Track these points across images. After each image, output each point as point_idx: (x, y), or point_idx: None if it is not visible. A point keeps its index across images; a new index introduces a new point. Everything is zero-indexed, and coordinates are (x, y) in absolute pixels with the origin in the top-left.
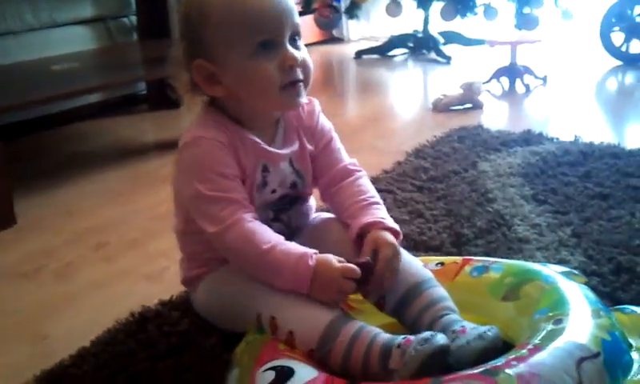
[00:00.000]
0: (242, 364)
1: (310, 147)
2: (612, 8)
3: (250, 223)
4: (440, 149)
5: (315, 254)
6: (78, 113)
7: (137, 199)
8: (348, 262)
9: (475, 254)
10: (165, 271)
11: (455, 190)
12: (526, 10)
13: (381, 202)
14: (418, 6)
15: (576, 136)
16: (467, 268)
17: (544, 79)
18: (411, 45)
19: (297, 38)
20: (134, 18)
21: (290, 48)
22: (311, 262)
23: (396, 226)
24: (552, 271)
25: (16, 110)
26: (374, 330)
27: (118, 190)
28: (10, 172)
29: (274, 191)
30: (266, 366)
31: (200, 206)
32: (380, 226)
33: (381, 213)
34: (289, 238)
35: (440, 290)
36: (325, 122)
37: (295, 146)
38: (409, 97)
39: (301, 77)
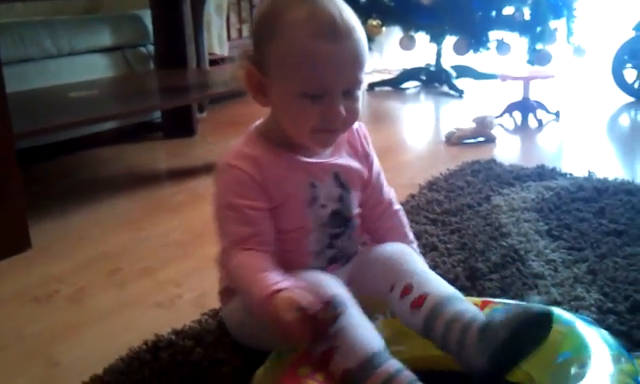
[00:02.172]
0: None
1: (361, 168)
2: (624, 45)
3: (253, 255)
4: (453, 182)
5: (281, 291)
6: (93, 139)
7: (149, 226)
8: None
9: (490, 289)
10: (176, 299)
11: (469, 224)
12: (539, 46)
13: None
14: (431, 41)
15: (590, 172)
16: (487, 310)
17: (557, 114)
18: (423, 78)
19: (353, 89)
20: (151, 47)
21: (337, 102)
22: (271, 307)
23: None
24: (572, 315)
25: (33, 137)
26: (411, 376)
27: (130, 216)
28: (25, 196)
29: (323, 206)
30: None
31: (220, 226)
32: None
33: None
34: (344, 264)
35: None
36: (373, 149)
37: (342, 160)
38: (421, 129)
39: (338, 126)
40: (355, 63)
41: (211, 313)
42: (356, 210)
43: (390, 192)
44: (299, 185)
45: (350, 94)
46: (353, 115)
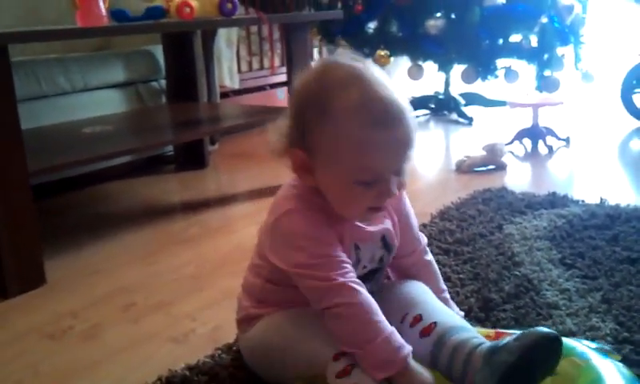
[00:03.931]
0: None
1: (397, 224)
2: (633, 70)
3: (359, 288)
4: (465, 211)
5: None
6: (106, 173)
7: (162, 260)
8: None
9: (504, 320)
10: (190, 334)
11: (482, 254)
12: (547, 73)
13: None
14: (439, 69)
15: (602, 198)
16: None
17: (567, 141)
18: (433, 106)
19: (404, 167)
20: (163, 82)
21: (390, 185)
22: (408, 359)
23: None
24: (585, 347)
25: (48, 173)
26: None
27: (144, 250)
28: (40, 232)
29: (364, 267)
30: None
31: (303, 274)
32: None
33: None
34: None
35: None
36: (408, 201)
37: (388, 224)
38: (431, 158)
39: (388, 200)
40: (408, 146)
41: (225, 348)
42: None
43: (422, 241)
44: (346, 249)
45: (400, 172)
46: (402, 187)
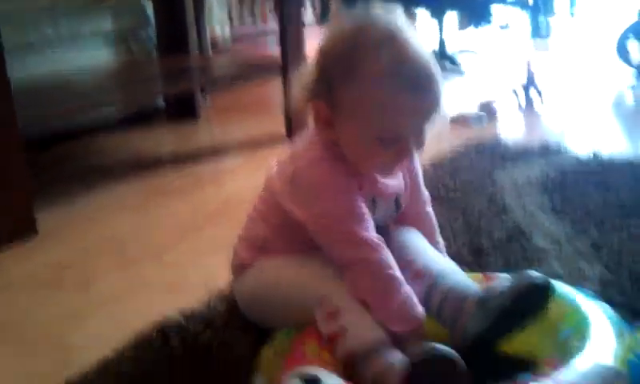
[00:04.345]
0: (268, 370)
1: (408, 183)
2: (630, 27)
3: (380, 244)
4: (457, 161)
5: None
6: (97, 126)
7: (154, 210)
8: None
9: (494, 265)
10: (183, 282)
11: (473, 202)
12: (541, 19)
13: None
14: (432, 16)
15: (594, 149)
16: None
17: (560, 92)
18: None
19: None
20: (153, 34)
21: (411, 145)
22: (424, 319)
23: None
24: (571, 289)
25: (36, 124)
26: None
27: (136, 200)
28: (31, 183)
29: (376, 219)
30: (293, 374)
31: (324, 225)
32: None
33: None
34: None
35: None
36: (418, 159)
37: (402, 182)
38: None
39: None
40: (434, 110)
41: (219, 295)
42: None
43: (424, 193)
44: (365, 200)
45: (421, 133)
46: (420, 147)
